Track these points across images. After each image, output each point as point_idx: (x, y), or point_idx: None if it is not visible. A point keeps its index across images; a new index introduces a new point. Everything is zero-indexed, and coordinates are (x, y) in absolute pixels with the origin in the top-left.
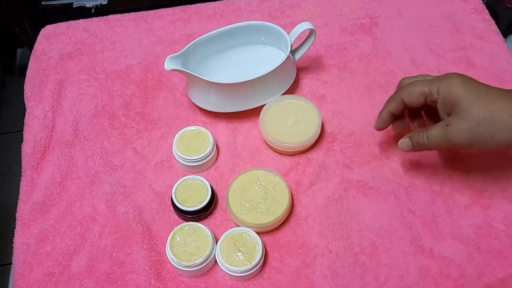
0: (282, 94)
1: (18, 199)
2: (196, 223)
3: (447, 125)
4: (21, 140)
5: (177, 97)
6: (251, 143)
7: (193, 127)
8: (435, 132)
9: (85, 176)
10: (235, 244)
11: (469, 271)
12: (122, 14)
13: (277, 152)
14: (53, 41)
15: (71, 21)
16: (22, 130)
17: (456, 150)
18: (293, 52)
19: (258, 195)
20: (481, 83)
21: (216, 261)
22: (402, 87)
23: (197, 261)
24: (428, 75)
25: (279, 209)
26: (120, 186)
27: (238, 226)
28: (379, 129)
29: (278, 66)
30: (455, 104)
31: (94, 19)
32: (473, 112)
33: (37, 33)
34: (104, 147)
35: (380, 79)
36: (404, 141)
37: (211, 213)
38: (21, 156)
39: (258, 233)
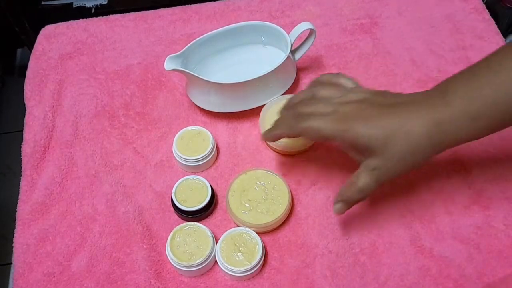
0: (282, 94)
1: (18, 199)
2: (196, 223)
3: (373, 169)
4: (21, 140)
5: (177, 97)
6: (251, 143)
7: (193, 127)
8: (365, 182)
9: (85, 176)
10: (235, 244)
11: (469, 271)
12: (122, 14)
13: (277, 152)
14: (53, 41)
15: (71, 21)
16: (22, 130)
17: None
18: (293, 52)
19: (258, 195)
20: (383, 102)
21: (216, 261)
22: (303, 119)
23: (197, 261)
24: (324, 88)
25: (279, 209)
26: (120, 186)
27: (238, 226)
28: (264, 140)
29: (278, 66)
30: (367, 149)
31: (94, 19)
32: (391, 150)
33: (37, 33)
34: (104, 147)
35: (380, 79)
36: (338, 207)
37: (211, 213)
38: (21, 156)
39: (258, 233)
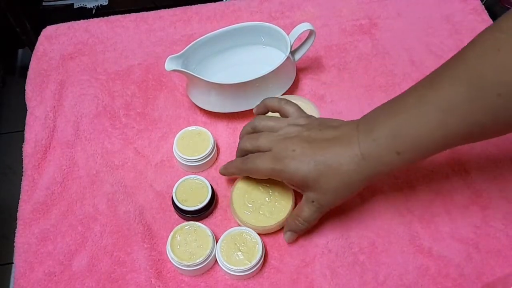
0: (282, 95)
1: (19, 198)
2: (196, 222)
3: (312, 201)
4: (22, 140)
5: (178, 97)
6: None
7: (193, 127)
8: (308, 213)
9: (86, 176)
10: (235, 244)
11: (468, 270)
12: (122, 15)
13: None
14: (54, 41)
15: (72, 21)
16: (23, 130)
17: None
18: (293, 52)
19: (262, 196)
20: (316, 136)
21: (216, 260)
22: (247, 161)
23: (198, 261)
24: (264, 120)
25: (281, 214)
26: (121, 186)
27: (239, 225)
28: (223, 174)
29: (278, 67)
30: (303, 185)
31: (95, 19)
32: (324, 186)
33: (38, 34)
34: (105, 147)
35: (379, 79)
36: (288, 236)
37: (211, 212)
38: (22, 156)
39: (258, 233)
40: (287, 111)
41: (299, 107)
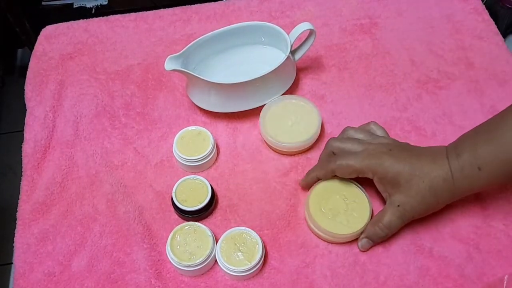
0: (282, 94)
1: (18, 198)
2: (196, 222)
3: (397, 205)
4: (21, 140)
5: (178, 97)
6: (251, 143)
7: (193, 127)
8: (389, 218)
9: (86, 176)
10: (235, 244)
11: (468, 270)
12: (122, 15)
13: (277, 152)
14: (53, 41)
15: (72, 21)
16: (22, 130)
17: None
18: (293, 52)
19: (339, 205)
20: (407, 148)
21: (216, 260)
22: (335, 159)
23: (197, 261)
24: (356, 132)
25: (359, 223)
26: (120, 186)
27: (312, 231)
28: (304, 188)
29: (278, 66)
30: (394, 183)
31: (95, 19)
32: (414, 187)
33: (38, 34)
34: (105, 147)
35: (379, 79)
36: (363, 243)
37: (211, 213)
38: (21, 156)
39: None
40: (375, 130)
41: (386, 131)
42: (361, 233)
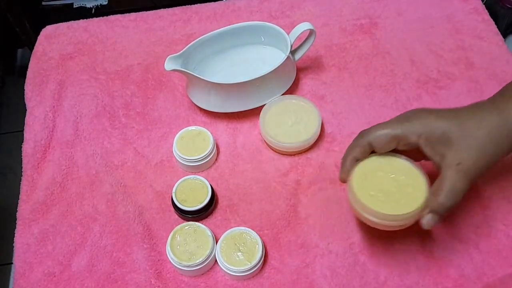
0: (282, 94)
1: (18, 198)
2: (196, 222)
3: (457, 164)
4: (21, 140)
5: (178, 97)
6: (251, 143)
7: (193, 127)
8: (452, 182)
9: (86, 176)
10: (235, 244)
11: (468, 270)
12: (122, 15)
13: (277, 152)
14: (53, 41)
15: (72, 21)
16: (22, 130)
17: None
18: (293, 52)
19: (387, 183)
20: (446, 109)
21: (216, 260)
22: (367, 130)
23: (197, 261)
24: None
25: (419, 198)
26: (120, 186)
27: (368, 221)
28: (344, 181)
29: (278, 66)
30: (445, 141)
31: (95, 19)
32: (470, 138)
33: (38, 34)
34: (105, 147)
35: (379, 79)
36: (428, 219)
37: (211, 213)
38: (21, 156)
39: (260, 235)
40: None
41: None
42: (424, 209)
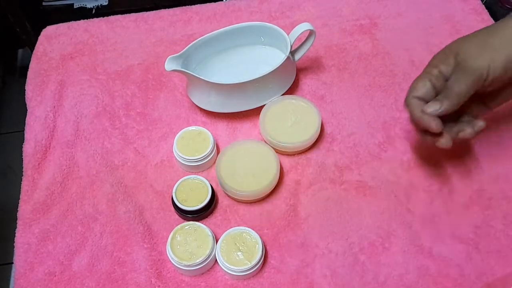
0: (282, 95)
1: (19, 198)
2: (196, 222)
3: (458, 63)
4: (22, 140)
5: (178, 97)
6: None
7: (193, 127)
8: (453, 76)
9: (86, 176)
10: (235, 244)
11: (468, 270)
12: (122, 15)
13: (277, 152)
14: (54, 41)
15: (72, 21)
16: (23, 130)
17: (482, 88)
18: (293, 52)
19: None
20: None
21: (216, 260)
22: (409, 91)
23: (198, 261)
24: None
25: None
26: (121, 186)
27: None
28: (437, 129)
29: (278, 67)
30: (457, 52)
31: (95, 19)
32: (474, 42)
33: (38, 34)
34: (105, 147)
35: (379, 79)
36: (432, 104)
37: (211, 212)
38: (22, 156)
39: (259, 233)
40: None
41: None
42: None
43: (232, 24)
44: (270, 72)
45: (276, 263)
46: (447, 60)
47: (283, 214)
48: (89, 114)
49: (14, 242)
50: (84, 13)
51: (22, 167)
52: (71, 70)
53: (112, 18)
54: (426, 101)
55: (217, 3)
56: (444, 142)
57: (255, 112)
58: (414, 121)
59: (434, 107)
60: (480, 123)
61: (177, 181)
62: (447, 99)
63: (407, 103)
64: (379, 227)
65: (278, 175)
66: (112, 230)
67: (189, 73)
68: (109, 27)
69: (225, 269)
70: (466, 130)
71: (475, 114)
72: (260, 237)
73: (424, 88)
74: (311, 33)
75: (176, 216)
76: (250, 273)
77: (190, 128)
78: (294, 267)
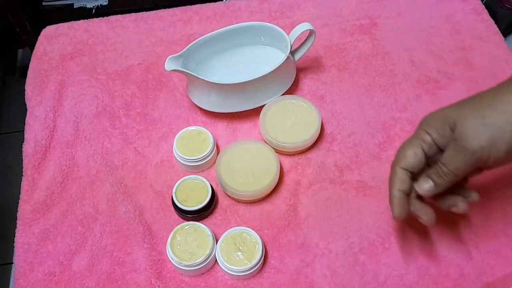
0: (282, 94)
1: (19, 198)
2: (196, 222)
3: (455, 139)
4: (22, 140)
5: (178, 97)
6: None
7: (193, 127)
8: (449, 153)
9: (86, 176)
10: (235, 244)
11: (468, 270)
12: (122, 15)
13: (277, 152)
14: (54, 41)
15: (72, 21)
16: (23, 130)
17: (482, 166)
18: (293, 52)
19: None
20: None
21: (216, 260)
22: (397, 158)
23: (198, 261)
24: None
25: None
26: (121, 186)
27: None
28: (400, 217)
29: (278, 67)
30: (455, 123)
31: (95, 19)
32: (473, 116)
33: (38, 34)
34: (105, 147)
35: (379, 79)
36: (423, 183)
37: (211, 212)
38: (22, 156)
39: (258, 233)
40: None
41: None
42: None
43: (232, 24)
44: (270, 72)
45: (276, 263)
46: (442, 129)
47: (283, 214)
48: (89, 114)
49: (14, 242)
50: (84, 13)
51: (22, 167)
52: (71, 70)
53: (112, 18)
54: (414, 172)
55: (217, 3)
56: (427, 221)
57: (255, 112)
58: (393, 198)
59: (427, 188)
60: (473, 196)
61: (177, 181)
62: (441, 179)
63: (392, 172)
64: (379, 227)
65: (278, 175)
66: (112, 230)
67: (189, 73)
68: (109, 27)
69: (225, 269)
70: (460, 206)
71: (468, 176)
72: (260, 237)
73: (415, 159)
74: (311, 33)
75: (176, 216)
76: (250, 273)
77: (190, 128)
78: (294, 267)
